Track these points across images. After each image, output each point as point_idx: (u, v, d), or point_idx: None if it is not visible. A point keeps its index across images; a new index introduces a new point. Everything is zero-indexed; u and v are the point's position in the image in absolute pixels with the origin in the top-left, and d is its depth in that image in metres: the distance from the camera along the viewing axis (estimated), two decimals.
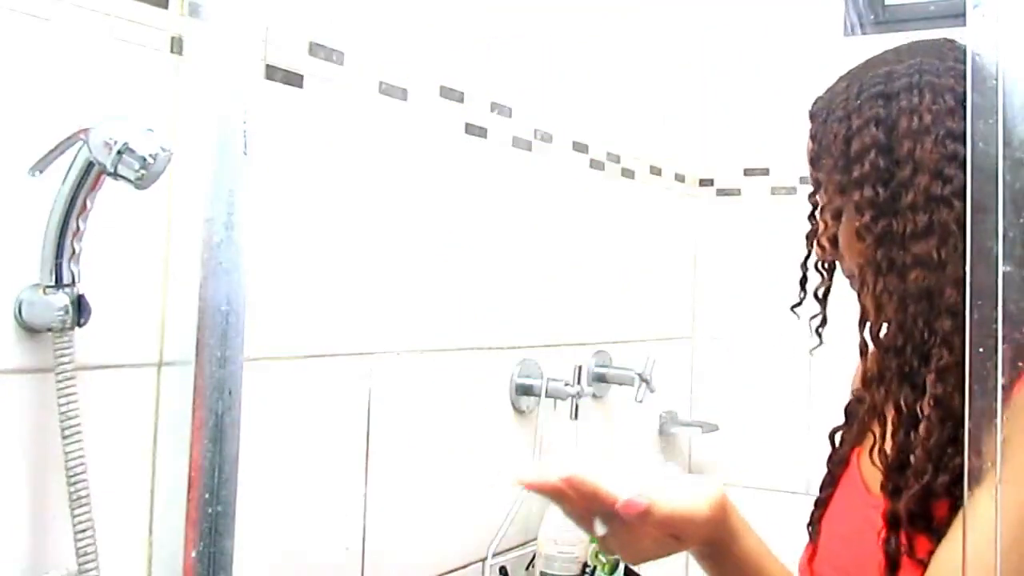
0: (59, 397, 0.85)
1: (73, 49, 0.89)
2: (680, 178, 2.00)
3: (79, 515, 0.86)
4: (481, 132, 1.41)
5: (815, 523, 0.99)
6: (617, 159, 1.77)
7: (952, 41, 0.94)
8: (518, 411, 1.49)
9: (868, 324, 0.90)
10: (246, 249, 0.95)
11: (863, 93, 0.94)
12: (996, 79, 0.69)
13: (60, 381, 0.85)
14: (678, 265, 2.02)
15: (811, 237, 0.97)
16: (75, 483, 0.85)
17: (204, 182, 0.93)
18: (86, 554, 0.86)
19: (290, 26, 1.10)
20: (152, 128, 0.84)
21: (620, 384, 1.69)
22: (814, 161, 0.96)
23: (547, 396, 1.48)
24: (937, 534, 0.82)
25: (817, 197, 0.96)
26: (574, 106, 1.65)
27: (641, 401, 1.63)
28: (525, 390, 1.49)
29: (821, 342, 0.97)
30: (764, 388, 1.96)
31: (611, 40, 1.75)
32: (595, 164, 1.70)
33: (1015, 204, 0.68)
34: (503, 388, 1.47)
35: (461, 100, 1.37)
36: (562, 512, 0.88)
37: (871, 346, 0.90)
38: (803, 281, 0.99)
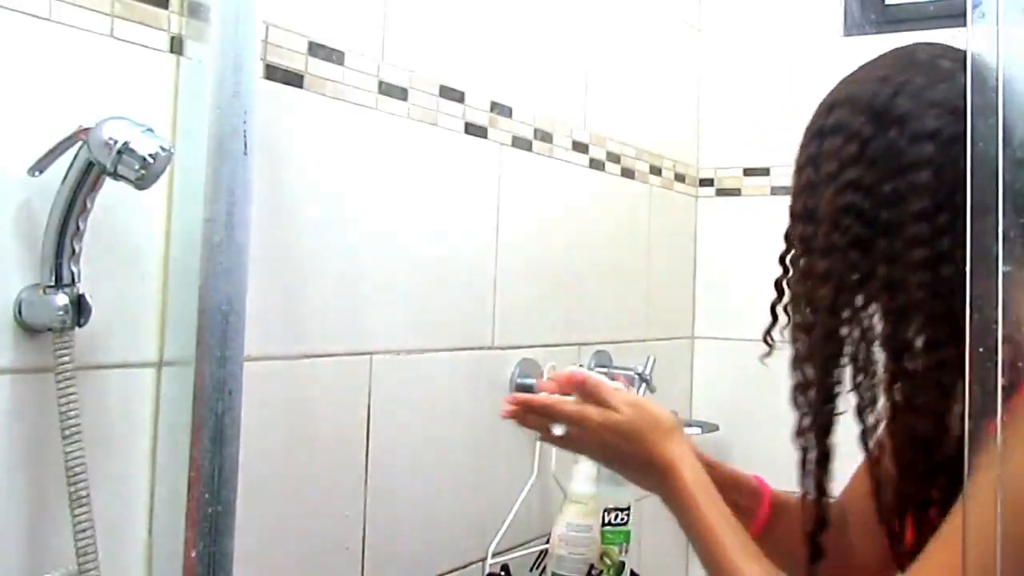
0: (59, 397, 0.85)
1: (73, 49, 0.89)
2: (680, 178, 2.00)
3: (79, 515, 0.85)
4: (481, 132, 1.41)
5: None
6: (617, 159, 1.77)
7: (934, 51, 0.91)
8: None
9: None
10: (246, 249, 0.96)
11: (811, 125, 0.96)
12: (996, 79, 0.68)
13: (60, 381, 0.85)
14: (678, 265, 2.02)
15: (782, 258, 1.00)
16: (75, 483, 0.85)
17: (204, 182, 0.93)
18: (86, 554, 0.86)
19: (290, 26, 1.10)
20: (152, 128, 0.84)
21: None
22: None
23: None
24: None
25: None
26: (574, 105, 1.65)
27: None
28: (525, 390, 1.48)
29: (770, 348, 1.01)
30: (764, 388, 1.95)
31: (611, 39, 1.75)
32: (595, 164, 1.70)
33: (1015, 204, 0.68)
34: (503, 388, 1.47)
35: (461, 100, 1.37)
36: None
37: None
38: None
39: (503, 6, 1.46)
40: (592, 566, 1.42)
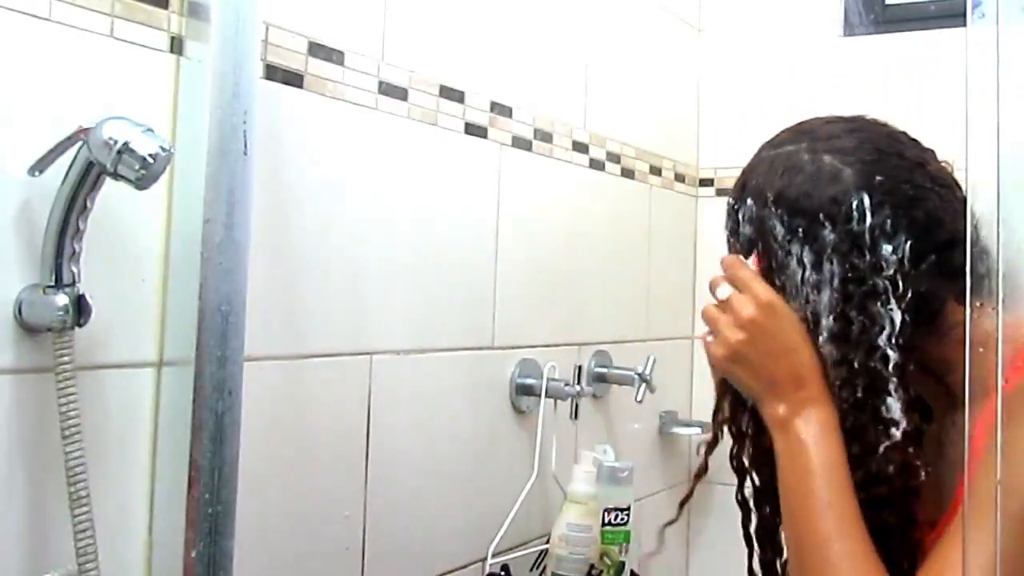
0: (59, 397, 0.85)
1: (73, 49, 0.89)
2: (680, 178, 2.00)
3: (79, 515, 0.85)
4: (481, 132, 1.42)
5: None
6: (617, 159, 1.77)
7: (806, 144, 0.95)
8: (518, 411, 1.49)
9: None
10: (246, 249, 0.96)
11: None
12: (996, 79, 0.68)
13: (60, 381, 0.85)
14: (678, 265, 2.02)
15: None
16: (75, 483, 0.85)
17: (204, 182, 0.93)
18: (86, 554, 0.86)
19: (290, 26, 1.10)
20: (152, 128, 0.84)
21: (620, 384, 1.69)
22: None
23: (547, 396, 1.48)
24: None
25: None
26: (574, 105, 1.65)
27: (641, 401, 1.63)
28: (525, 390, 1.49)
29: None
30: None
31: (611, 40, 1.75)
32: (595, 164, 1.70)
33: (1013, 205, 0.68)
34: (503, 388, 1.47)
35: (461, 100, 1.37)
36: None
37: None
38: None
39: (503, 6, 1.46)
40: (592, 566, 1.42)
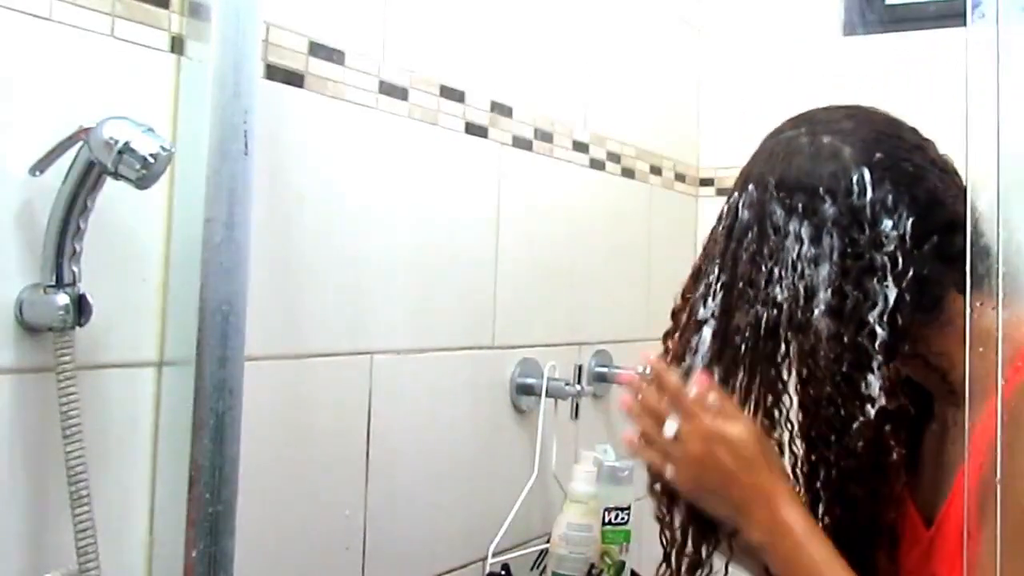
0: (59, 397, 0.85)
1: (73, 49, 0.89)
2: (680, 178, 2.00)
3: (79, 515, 0.86)
4: (481, 132, 1.42)
5: None
6: (617, 159, 1.77)
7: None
8: (518, 411, 1.49)
9: None
10: (246, 249, 0.96)
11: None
12: (996, 79, 0.68)
13: (60, 381, 0.85)
14: (678, 265, 2.01)
15: None
16: (75, 483, 0.85)
17: (204, 182, 0.93)
18: (86, 554, 0.86)
19: (290, 26, 1.10)
20: (152, 128, 0.84)
21: (620, 384, 1.68)
22: None
23: (547, 396, 1.48)
24: None
25: None
26: (574, 105, 1.65)
27: None
28: (525, 390, 1.49)
29: None
30: None
31: (611, 39, 1.75)
32: (595, 163, 1.70)
33: (1013, 204, 0.68)
34: (503, 388, 1.47)
35: (461, 100, 1.37)
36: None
37: None
38: None
39: (503, 6, 1.46)
40: (592, 566, 1.42)
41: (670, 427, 0.93)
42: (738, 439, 0.90)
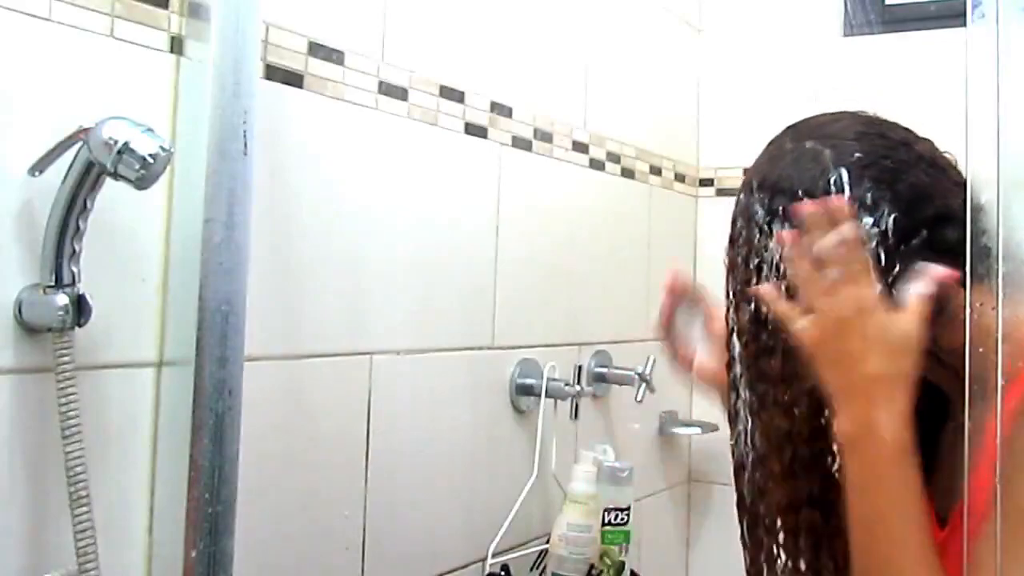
0: (59, 397, 0.85)
1: (73, 49, 0.89)
2: (680, 178, 2.00)
3: (79, 515, 0.86)
4: (481, 132, 1.42)
5: None
6: (617, 159, 1.77)
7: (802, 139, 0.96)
8: (518, 411, 1.49)
9: None
10: (246, 249, 0.96)
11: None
12: (996, 79, 0.68)
13: (60, 381, 0.85)
14: (678, 265, 2.01)
15: None
16: (75, 483, 0.85)
17: (204, 182, 0.93)
18: (86, 554, 0.86)
19: (290, 26, 1.10)
20: (152, 128, 0.84)
21: (620, 384, 1.69)
22: None
23: (547, 396, 1.48)
24: None
25: None
26: (574, 105, 1.65)
27: (641, 401, 1.63)
28: (525, 390, 1.49)
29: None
30: None
31: (611, 39, 1.75)
32: (595, 164, 1.70)
33: (1013, 203, 0.68)
34: (503, 388, 1.47)
35: (461, 100, 1.37)
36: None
37: None
38: None
39: (503, 6, 1.46)
40: (592, 566, 1.42)
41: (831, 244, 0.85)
42: (900, 330, 0.84)
